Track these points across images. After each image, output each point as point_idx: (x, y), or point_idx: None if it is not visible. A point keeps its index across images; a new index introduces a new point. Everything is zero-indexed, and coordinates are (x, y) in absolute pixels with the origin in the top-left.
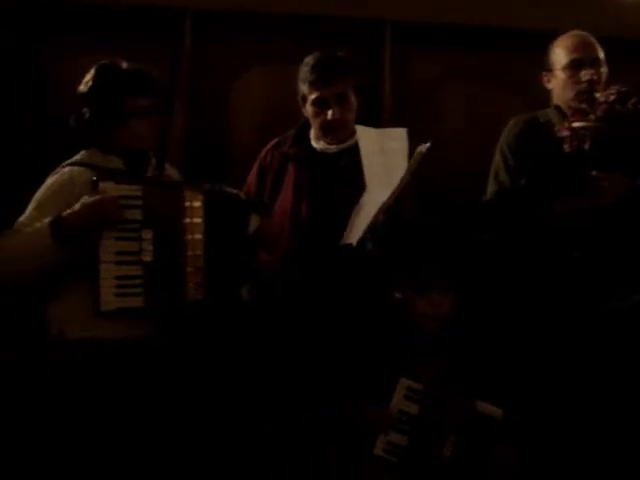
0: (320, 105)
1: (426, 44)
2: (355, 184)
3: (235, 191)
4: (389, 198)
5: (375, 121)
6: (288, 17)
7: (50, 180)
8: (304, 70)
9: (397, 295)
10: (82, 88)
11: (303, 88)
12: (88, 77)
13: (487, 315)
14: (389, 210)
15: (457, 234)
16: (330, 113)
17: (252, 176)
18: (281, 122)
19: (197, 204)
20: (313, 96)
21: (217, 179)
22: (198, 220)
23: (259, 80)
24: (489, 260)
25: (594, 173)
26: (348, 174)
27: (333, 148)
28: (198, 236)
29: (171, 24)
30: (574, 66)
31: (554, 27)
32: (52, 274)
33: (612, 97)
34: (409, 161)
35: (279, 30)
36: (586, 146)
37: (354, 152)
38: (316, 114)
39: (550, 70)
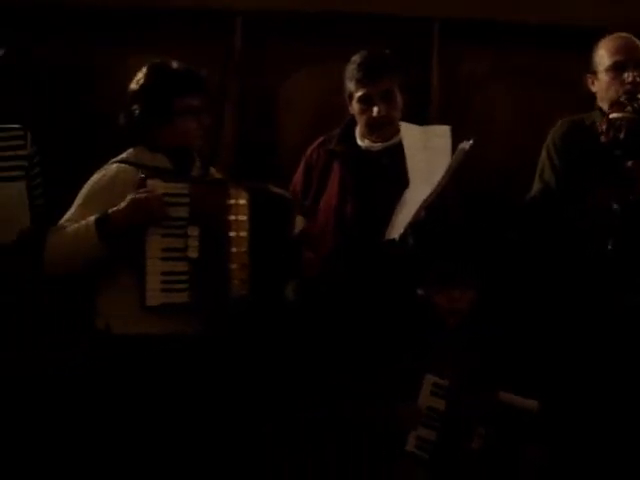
0: (366, 102)
1: (474, 42)
2: (398, 182)
3: (280, 190)
4: (431, 195)
5: (422, 119)
6: (337, 16)
7: (96, 176)
8: (351, 68)
9: (420, 292)
10: (133, 86)
11: (350, 85)
12: (139, 76)
13: (512, 309)
14: (431, 207)
15: (495, 233)
16: (375, 110)
17: (298, 174)
18: (330, 122)
19: (242, 202)
20: (359, 93)
21: (267, 179)
22: (243, 217)
23: (309, 80)
24: (518, 256)
25: (630, 163)
26: (391, 172)
27: (377, 146)
28: (243, 233)
29: (222, 25)
30: (617, 68)
31: (602, 25)
32: (99, 269)
33: None
34: (452, 158)
35: (328, 30)
36: (621, 135)
37: (398, 150)
38: (362, 111)
39: (594, 72)
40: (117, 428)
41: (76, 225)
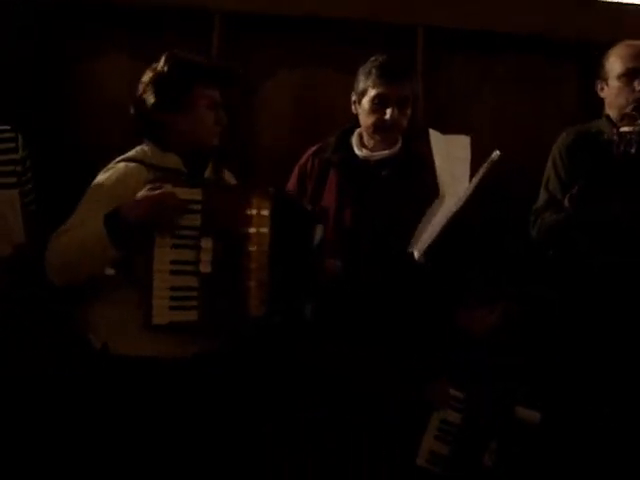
0: (381, 103)
1: (458, 49)
2: (395, 194)
3: (299, 199)
4: (460, 208)
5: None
6: (318, 20)
7: (102, 176)
8: (371, 65)
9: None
10: (148, 74)
11: (365, 82)
12: (156, 65)
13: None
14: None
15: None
16: (389, 112)
17: (292, 183)
18: (309, 126)
19: (264, 212)
20: (376, 92)
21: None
22: (265, 230)
23: (287, 84)
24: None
25: None
26: (390, 184)
27: (376, 155)
28: (263, 248)
29: (200, 25)
30: (629, 75)
31: (585, 34)
32: (102, 280)
33: None
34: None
35: (308, 33)
36: (633, 150)
37: (396, 161)
38: (373, 111)
39: (604, 79)
40: (117, 453)
41: (83, 227)
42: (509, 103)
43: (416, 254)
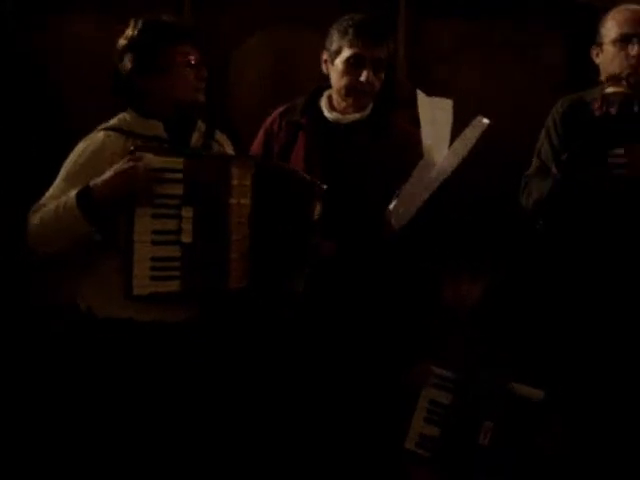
0: (356, 64)
1: (441, 14)
2: (366, 160)
3: (294, 169)
4: (444, 180)
5: (389, 92)
6: None
7: (81, 146)
8: (345, 24)
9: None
10: (121, 42)
11: (340, 41)
12: (128, 30)
13: (520, 297)
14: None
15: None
16: (364, 74)
17: (257, 144)
18: (285, 91)
19: (246, 182)
20: (351, 52)
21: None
22: (246, 201)
23: (262, 47)
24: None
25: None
26: (360, 149)
27: (346, 119)
28: (244, 219)
29: None
30: (624, 40)
31: None
32: (84, 248)
33: None
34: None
35: None
36: (612, 110)
37: (367, 126)
38: (347, 72)
39: (599, 44)
40: (100, 419)
41: (57, 201)
42: (493, 68)
43: (396, 225)
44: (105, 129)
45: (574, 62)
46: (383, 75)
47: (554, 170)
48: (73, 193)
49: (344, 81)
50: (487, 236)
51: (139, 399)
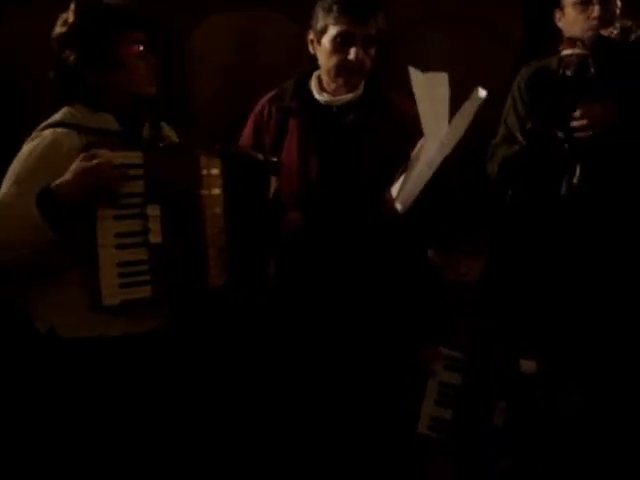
0: (344, 42)
1: None
2: (362, 141)
3: (250, 151)
4: (442, 156)
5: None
6: None
7: (28, 147)
8: (330, 0)
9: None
10: (60, 30)
11: (325, 19)
12: (66, 16)
13: (523, 273)
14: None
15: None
16: (353, 51)
17: (247, 135)
18: (247, 74)
19: (215, 171)
20: (338, 29)
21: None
22: (217, 191)
23: (223, 28)
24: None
25: (577, 113)
26: (355, 130)
27: (338, 100)
28: (218, 210)
29: None
30: (584, 2)
31: None
32: (43, 260)
33: (615, 32)
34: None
35: None
36: (568, 72)
37: (360, 106)
38: (335, 50)
39: (561, 8)
40: (78, 445)
41: (12, 208)
42: (459, 43)
43: (400, 207)
44: (51, 125)
45: (533, 33)
46: (374, 51)
47: (519, 137)
48: (29, 196)
49: (333, 61)
50: (480, 212)
51: (121, 422)
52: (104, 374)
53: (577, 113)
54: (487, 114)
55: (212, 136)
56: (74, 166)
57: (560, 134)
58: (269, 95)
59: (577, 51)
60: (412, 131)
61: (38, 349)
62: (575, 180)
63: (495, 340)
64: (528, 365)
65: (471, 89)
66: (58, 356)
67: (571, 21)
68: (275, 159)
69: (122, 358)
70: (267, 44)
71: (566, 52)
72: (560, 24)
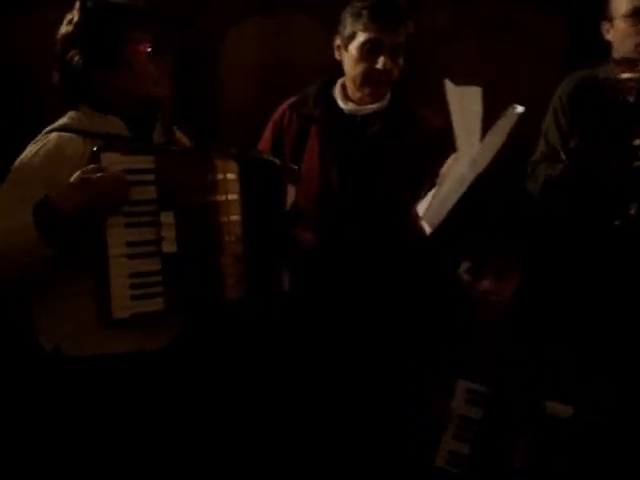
0: (372, 49)
1: None
2: (386, 154)
3: (268, 155)
4: (479, 174)
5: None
6: None
7: (31, 150)
8: (360, 5)
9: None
10: (66, 29)
11: (354, 25)
12: (71, 15)
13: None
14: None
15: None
16: (381, 60)
17: (266, 141)
18: (278, 80)
19: (232, 176)
20: (367, 36)
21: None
22: (234, 197)
23: (257, 31)
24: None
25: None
26: (379, 142)
27: (363, 110)
28: (235, 217)
29: None
30: (636, 14)
31: None
32: (44, 275)
33: None
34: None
35: None
36: (631, 99)
37: (385, 117)
38: (363, 58)
39: (610, 19)
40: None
41: (7, 219)
42: (491, 48)
43: (427, 227)
44: (57, 129)
45: (575, 45)
46: (402, 61)
47: (563, 157)
48: (28, 204)
49: (359, 69)
50: (515, 228)
51: (132, 444)
52: (113, 395)
53: (638, 142)
54: (525, 126)
55: (240, 143)
56: (76, 174)
57: (614, 159)
58: (290, 101)
59: (637, 75)
60: (437, 146)
61: (44, 369)
62: (633, 211)
63: (523, 375)
64: (560, 409)
65: (504, 99)
66: (65, 376)
67: (621, 36)
68: (294, 166)
69: (132, 378)
70: (297, 49)
71: (625, 76)
72: (608, 36)
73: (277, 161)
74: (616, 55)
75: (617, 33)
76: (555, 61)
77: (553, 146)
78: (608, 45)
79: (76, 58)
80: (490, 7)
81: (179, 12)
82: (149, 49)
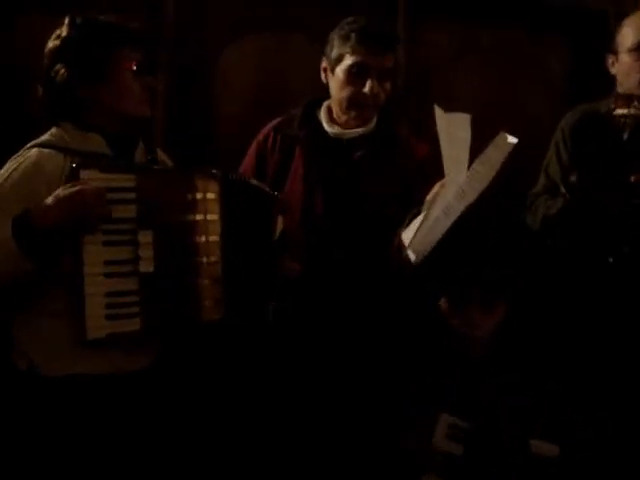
0: (359, 73)
1: (440, 17)
2: (371, 179)
3: (256, 181)
4: (468, 206)
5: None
6: None
7: (10, 165)
8: (350, 28)
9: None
10: (54, 43)
11: (342, 47)
12: (59, 31)
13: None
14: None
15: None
16: (369, 85)
17: (248, 163)
18: (274, 98)
19: (211, 196)
20: (354, 59)
21: (202, 162)
22: (214, 217)
23: (253, 51)
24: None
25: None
26: (364, 167)
27: (349, 134)
28: (214, 238)
29: None
30: None
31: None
32: (20, 292)
33: None
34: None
35: None
36: (625, 136)
37: (371, 141)
38: (349, 82)
39: (615, 53)
40: None
41: None
42: (491, 74)
43: (413, 256)
44: (37, 145)
45: (580, 71)
46: (389, 85)
47: (563, 190)
48: (6, 221)
49: (346, 92)
50: (506, 261)
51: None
52: (88, 417)
53: (633, 178)
54: (525, 155)
55: (236, 161)
56: (56, 191)
57: (613, 195)
58: (274, 122)
59: (632, 112)
60: (421, 173)
61: (18, 388)
62: (626, 249)
63: (508, 410)
64: (545, 448)
65: (505, 121)
66: (39, 396)
67: (626, 70)
68: (277, 194)
69: (110, 399)
70: (294, 68)
71: (620, 111)
72: (613, 70)
73: (266, 188)
74: (620, 89)
75: (622, 67)
76: (556, 85)
77: (553, 180)
78: (613, 79)
79: (61, 72)
80: (492, 31)
81: (176, 30)
82: (134, 67)
